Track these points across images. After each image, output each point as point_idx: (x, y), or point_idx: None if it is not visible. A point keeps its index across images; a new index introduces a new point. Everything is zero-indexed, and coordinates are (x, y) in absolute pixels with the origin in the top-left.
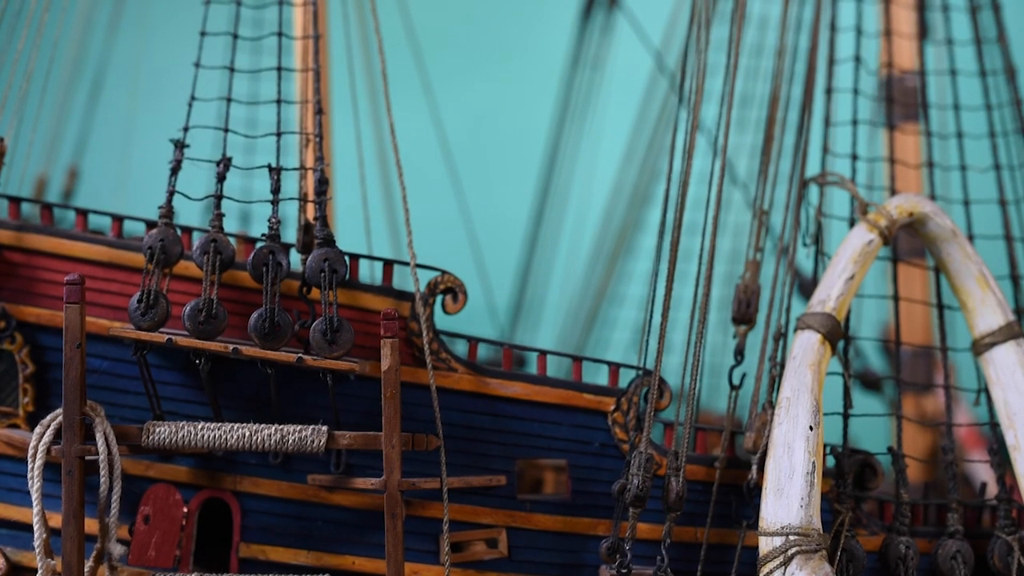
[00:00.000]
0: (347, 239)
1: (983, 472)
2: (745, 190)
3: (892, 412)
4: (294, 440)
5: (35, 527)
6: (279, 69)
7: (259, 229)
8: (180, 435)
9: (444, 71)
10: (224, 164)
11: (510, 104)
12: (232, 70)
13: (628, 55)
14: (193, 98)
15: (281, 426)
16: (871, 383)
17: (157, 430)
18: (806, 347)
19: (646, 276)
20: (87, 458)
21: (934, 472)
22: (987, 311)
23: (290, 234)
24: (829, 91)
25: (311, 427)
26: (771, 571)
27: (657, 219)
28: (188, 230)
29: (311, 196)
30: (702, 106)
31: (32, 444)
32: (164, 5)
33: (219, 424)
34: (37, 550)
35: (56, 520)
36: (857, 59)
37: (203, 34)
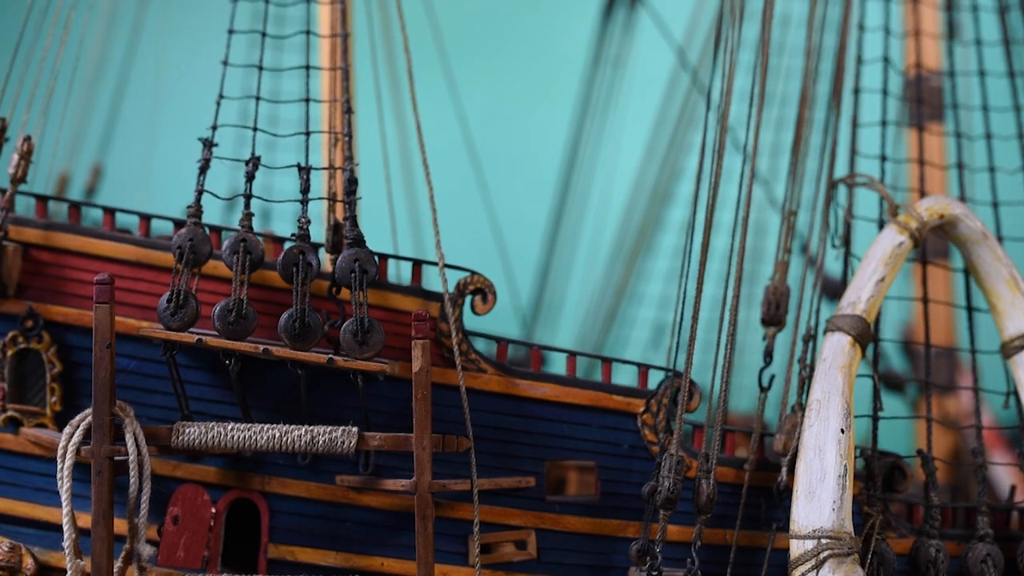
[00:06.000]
0: (370, 238)
1: (1003, 473)
2: (767, 187)
3: (921, 415)
4: (324, 441)
5: (64, 528)
6: (307, 68)
7: (281, 227)
8: (210, 436)
9: (464, 69)
10: (253, 163)
11: (530, 102)
12: (260, 68)
13: (649, 52)
14: (221, 96)
15: (311, 427)
16: (895, 384)
17: (187, 430)
18: (836, 349)
19: (666, 274)
20: (116, 459)
21: (956, 473)
22: (1017, 314)
23: (317, 233)
24: (856, 91)
25: (341, 428)
26: (803, 574)
27: (677, 217)
28: (217, 229)
29: (340, 196)
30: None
31: (62, 445)
32: (187, 3)
33: (249, 425)
34: (67, 550)
35: (85, 520)
36: (885, 59)
37: (231, 32)
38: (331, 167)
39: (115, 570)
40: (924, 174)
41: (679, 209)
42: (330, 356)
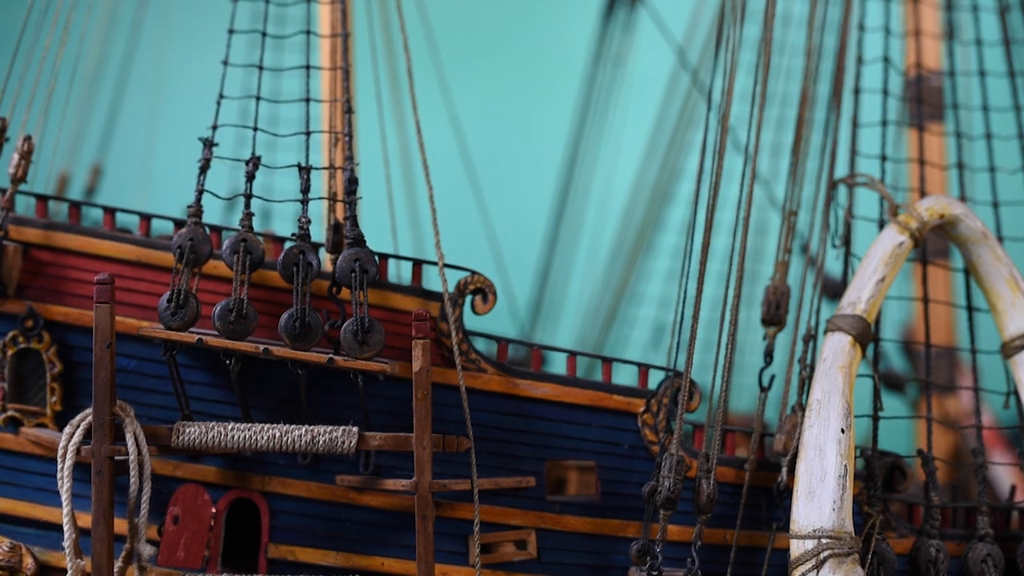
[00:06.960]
0: (370, 238)
1: (1003, 473)
2: (767, 187)
3: (922, 415)
4: (324, 441)
5: (65, 527)
6: (307, 68)
7: (281, 227)
8: (210, 435)
9: (463, 68)
10: (253, 163)
11: (530, 101)
12: (261, 68)
13: (649, 52)
14: (221, 96)
15: (311, 427)
16: (895, 384)
17: (187, 430)
18: (837, 349)
19: (666, 274)
20: (116, 458)
21: (956, 473)
22: (1017, 314)
23: (317, 233)
24: (857, 91)
25: (341, 428)
26: (803, 574)
27: (677, 217)
28: (217, 229)
29: (340, 195)
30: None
31: (62, 444)
32: (187, 3)
33: (249, 424)
34: (67, 550)
35: (85, 520)
36: (886, 59)
37: (231, 32)
38: (331, 167)
39: (115, 570)
40: (924, 174)
41: (679, 209)
42: (330, 356)
